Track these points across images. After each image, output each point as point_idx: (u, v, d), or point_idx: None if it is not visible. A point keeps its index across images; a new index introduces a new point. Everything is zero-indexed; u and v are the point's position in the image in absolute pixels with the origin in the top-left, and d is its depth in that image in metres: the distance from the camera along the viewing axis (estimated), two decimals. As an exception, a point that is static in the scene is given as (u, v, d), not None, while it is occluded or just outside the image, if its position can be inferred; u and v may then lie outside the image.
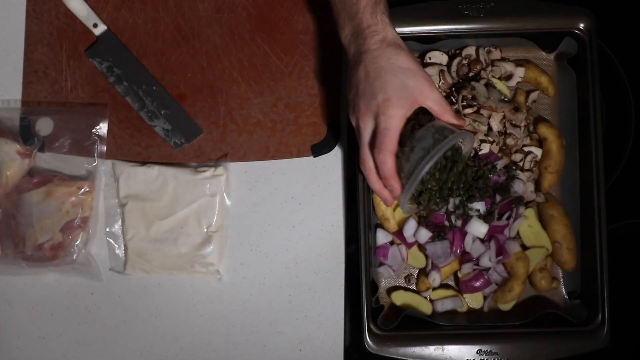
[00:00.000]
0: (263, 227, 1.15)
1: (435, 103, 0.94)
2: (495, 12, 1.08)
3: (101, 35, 1.16)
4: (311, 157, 1.15)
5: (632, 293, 1.16)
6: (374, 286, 1.09)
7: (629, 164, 1.18)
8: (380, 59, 0.93)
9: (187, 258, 1.12)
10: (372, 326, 1.05)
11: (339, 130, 1.14)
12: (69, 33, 1.17)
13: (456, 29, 1.09)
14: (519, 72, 1.12)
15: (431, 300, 1.11)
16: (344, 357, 1.13)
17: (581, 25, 1.09)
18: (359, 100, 0.94)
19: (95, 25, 1.16)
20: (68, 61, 1.17)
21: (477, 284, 1.10)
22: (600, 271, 1.06)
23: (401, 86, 0.92)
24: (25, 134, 1.14)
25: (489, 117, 1.08)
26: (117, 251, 1.14)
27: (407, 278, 1.13)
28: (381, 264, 1.11)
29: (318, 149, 1.14)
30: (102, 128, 1.14)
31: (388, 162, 0.92)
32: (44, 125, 1.15)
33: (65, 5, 1.16)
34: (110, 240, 1.14)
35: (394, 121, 0.91)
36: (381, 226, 1.11)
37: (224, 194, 1.14)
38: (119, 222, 1.14)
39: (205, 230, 1.13)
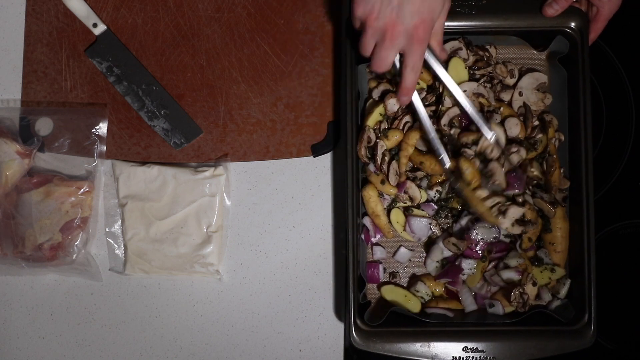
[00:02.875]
0: (263, 227, 1.15)
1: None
2: (487, 10, 1.08)
3: (101, 35, 1.16)
4: (311, 157, 1.15)
5: (620, 293, 1.16)
6: (361, 282, 1.08)
7: (629, 164, 1.18)
8: None
9: (186, 258, 1.12)
10: (358, 321, 1.05)
11: (338, 130, 1.14)
12: (69, 33, 1.17)
13: (448, 25, 1.08)
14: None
15: (425, 311, 1.10)
16: (343, 357, 1.12)
17: (573, 24, 1.08)
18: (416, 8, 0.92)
19: (94, 25, 1.15)
20: (68, 61, 1.16)
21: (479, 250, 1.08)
22: (587, 272, 1.05)
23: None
24: (25, 134, 1.14)
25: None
26: (117, 251, 1.14)
27: (392, 274, 1.12)
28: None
29: (318, 149, 1.14)
30: (102, 128, 1.14)
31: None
32: (44, 125, 1.15)
33: (64, 5, 1.16)
34: (110, 240, 1.14)
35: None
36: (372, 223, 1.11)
37: (224, 194, 1.14)
38: (119, 222, 1.14)
39: (205, 230, 1.13)
